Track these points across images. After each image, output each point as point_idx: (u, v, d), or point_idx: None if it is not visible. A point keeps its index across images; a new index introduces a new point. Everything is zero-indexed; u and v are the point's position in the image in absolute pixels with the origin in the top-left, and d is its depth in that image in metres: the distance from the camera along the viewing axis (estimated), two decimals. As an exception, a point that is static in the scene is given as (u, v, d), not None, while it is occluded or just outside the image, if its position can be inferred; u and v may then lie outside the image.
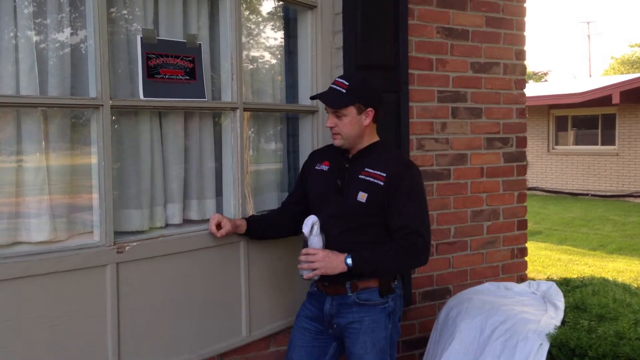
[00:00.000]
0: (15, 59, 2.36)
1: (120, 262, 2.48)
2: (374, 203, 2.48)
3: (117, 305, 2.47)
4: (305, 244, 2.55)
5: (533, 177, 17.70)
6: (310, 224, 2.50)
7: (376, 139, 2.62)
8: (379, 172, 2.49)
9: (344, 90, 2.49)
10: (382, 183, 2.48)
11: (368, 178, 2.50)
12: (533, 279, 5.22)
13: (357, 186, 2.51)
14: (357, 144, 2.57)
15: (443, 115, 3.78)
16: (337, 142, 2.57)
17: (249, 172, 3.24)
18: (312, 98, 2.68)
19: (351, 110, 2.51)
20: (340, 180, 2.56)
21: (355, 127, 2.52)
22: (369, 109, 2.52)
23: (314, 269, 2.48)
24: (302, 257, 2.51)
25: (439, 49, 3.75)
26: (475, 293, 3.04)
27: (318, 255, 2.48)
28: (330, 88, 2.55)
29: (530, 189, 17.13)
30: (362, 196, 2.49)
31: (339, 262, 2.46)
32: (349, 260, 2.45)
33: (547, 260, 8.52)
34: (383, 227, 2.52)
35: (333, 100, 2.52)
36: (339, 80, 2.54)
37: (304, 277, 2.52)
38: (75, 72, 2.50)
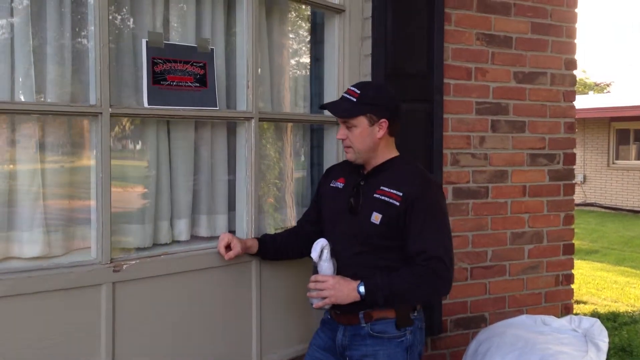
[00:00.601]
0: (11, 63, 2.23)
1: (116, 281, 2.30)
2: (389, 225, 2.25)
3: (113, 328, 2.30)
4: (315, 269, 2.33)
5: (591, 193, 17.01)
6: (320, 249, 2.28)
7: (395, 154, 2.38)
8: (394, 191, 2.25)
9: (355, 99, 2.28)
10: (397, 203, 2.24)
11: (383, 197, 2.27)
12: (585, 304, 4.83)
13: (371, 206, 2.28)
14: (371, 158, 2.35)
15: (482, 128, 3.52)
16: (349, 155, 2.36)
17: (292, 179, 3.08)
18: (321, 107, 2.47)
19: (362, 121, 2.28)
20: (353, 199, 2.33)
21: (367, 139, 2.30)
22: (382, 120, 2.29)
23: (323, 298, 2.26)
24: (311, 285, 2.30)
25: (478, 56, 3.50)
26: (509, 326, 2.76)
27: (328, 282, 2.26)
28: (342, 97, 2.34)
29: (587, 204, 16.48)
30: (375, 217, 2.26)
31: (350, 290, 2.23)
32: (362, 289, 2.22)
33: (602, 282, 8.03)
34: (400, 251, 2.28)
35: (342, 109, 2.31)
36: (351, 88, 2.33)
37: (314, 306, 2.31)
38: (76, 78, 2.36)
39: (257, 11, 2.72)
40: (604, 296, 7.17)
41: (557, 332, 2.72)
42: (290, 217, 3.06)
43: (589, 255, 9.68)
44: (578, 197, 16.14)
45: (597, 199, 17.09)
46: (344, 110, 2.30)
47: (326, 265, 2.30)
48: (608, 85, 40.19)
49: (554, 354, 2.42)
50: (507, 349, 2.55)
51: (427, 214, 2.24)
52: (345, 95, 2.32)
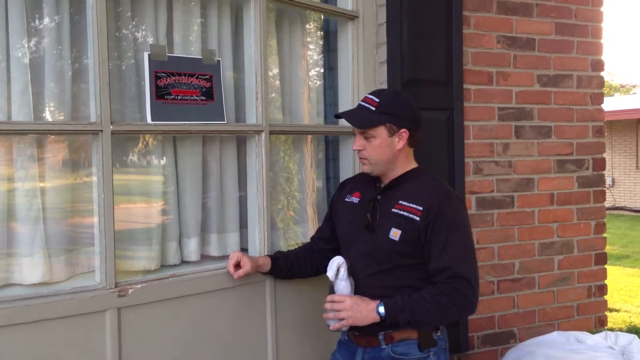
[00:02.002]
0: (7, 80, 2.13)
1: (122, 306, 2.19)
2: (408, 241, 2.10)
3: (119, 356, 2.18)
4: (331, 289, 2.19)
5: (620, 196, 16.63)
6: (336, 267, 2.14)
7: (413, 165, 2.24)
8: (414, 206, 2.11)
9: (373, 108, 2.14)
10: (418, 218, 2.09)
11: (402, 212, 2.12)
12: (617, 312, 4.61)
13: (389, 221, 2.14)
14: (389, 170, 2.20)
15: (505, 135, 3.36)
16: (366, 168, 2.22)
17: (314, 190, 2.97)
18: (336, 116, 2.34)
19: (381, 131, 2.14)
20: (370, 215, 2.19)
21: (386, 150, 2.16)
22: (403, 130, 2.15)
23: (341, 319, 2.12)
24: (328, 305, 2.16)
25: (499, 60, 3.35)
26: (539, 345, 2.60)
27: (345, 303, 2.12)
28: (359, 105, 2.20)
29: (617, 208, 16.12)
30: (394, 233, 2.11)
31: (369, 311, 2.09)
32: (381, 309, 2.08)
33: (635, 288, 7.75)
34: (421, 270, 2.13)
35: (360, 119, 2.17)
36: (369, 96, 2.19)
37: (330, 328, 2.17)
38: (75, 94, 2.26)
39: (266, 20, 2.61)
40: (637, 303, 6.91)
41: (592, 350, 2.54)
42: (312, 230, 2.93)
43: (620, 260, 9.40)
44: (607, 201, 15.76)
45: (626, 202, 16.71)
46: (363, 119, 2.16)
47: (343, 285, 2.16)
48: (634, 87, 39.54)
49: (590, 376, 2.26)
50: (539, 371, 2.39)
51: (450, 230, 2.09)
52: (363, 103, 2.18)
